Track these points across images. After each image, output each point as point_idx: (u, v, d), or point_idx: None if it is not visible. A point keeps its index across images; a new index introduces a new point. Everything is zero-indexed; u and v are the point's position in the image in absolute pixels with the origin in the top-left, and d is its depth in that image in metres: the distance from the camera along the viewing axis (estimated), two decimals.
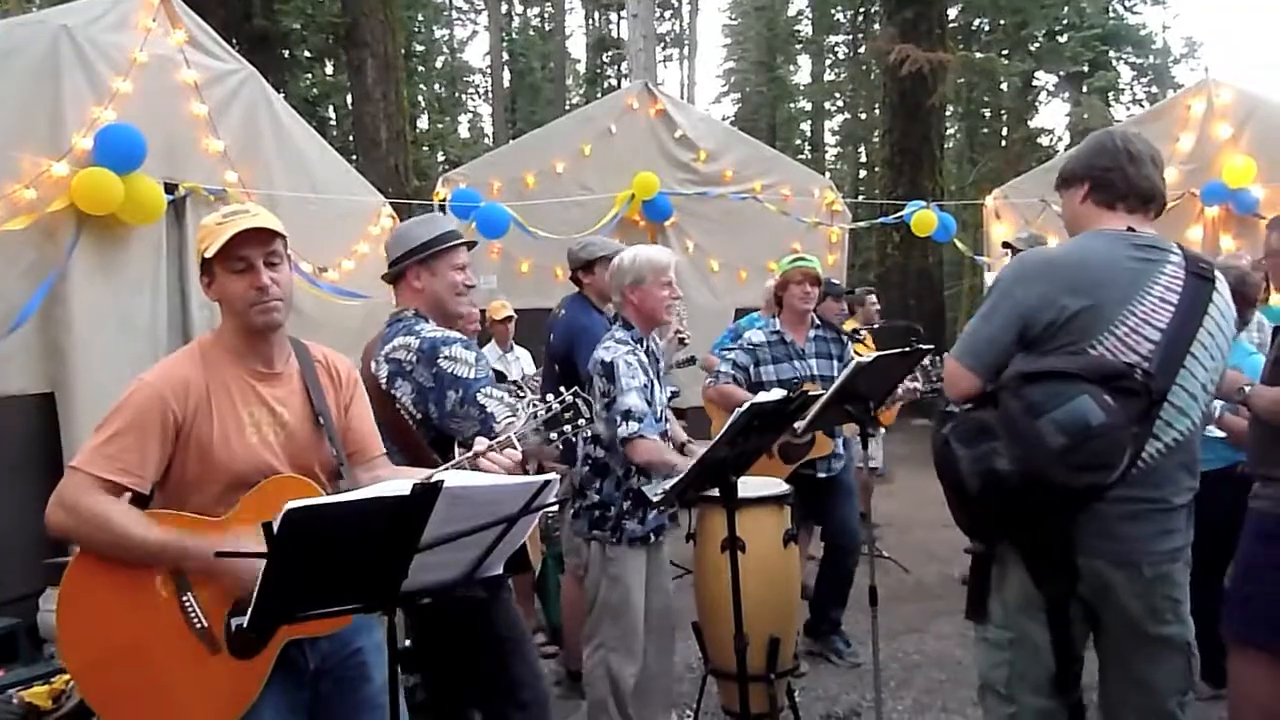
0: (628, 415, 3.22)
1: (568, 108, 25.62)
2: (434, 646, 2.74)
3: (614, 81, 29.43)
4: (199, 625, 1.99)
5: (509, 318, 6.40)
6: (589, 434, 3.33)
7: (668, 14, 31.42)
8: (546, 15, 32.76)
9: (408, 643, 2.78)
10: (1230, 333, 2.31)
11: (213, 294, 2.13)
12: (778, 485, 3.65)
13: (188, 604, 1.99)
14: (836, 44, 29.03)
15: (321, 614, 1.74)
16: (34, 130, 4.49)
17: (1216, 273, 2.30)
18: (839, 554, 4.59)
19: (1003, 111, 21.23)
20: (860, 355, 3.62)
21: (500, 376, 5.40)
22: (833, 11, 26.15)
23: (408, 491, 1.58)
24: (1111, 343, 2.16)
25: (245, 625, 1.65)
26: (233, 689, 2.00)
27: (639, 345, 3.39)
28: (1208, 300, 2.23)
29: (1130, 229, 2.31)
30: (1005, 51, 16.88)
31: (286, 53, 16.03)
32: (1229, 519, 2.98)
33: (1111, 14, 16.97)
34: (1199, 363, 2.20)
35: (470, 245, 2.98)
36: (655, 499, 2.96)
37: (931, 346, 4.09)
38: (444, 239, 2.87)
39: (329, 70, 19.54)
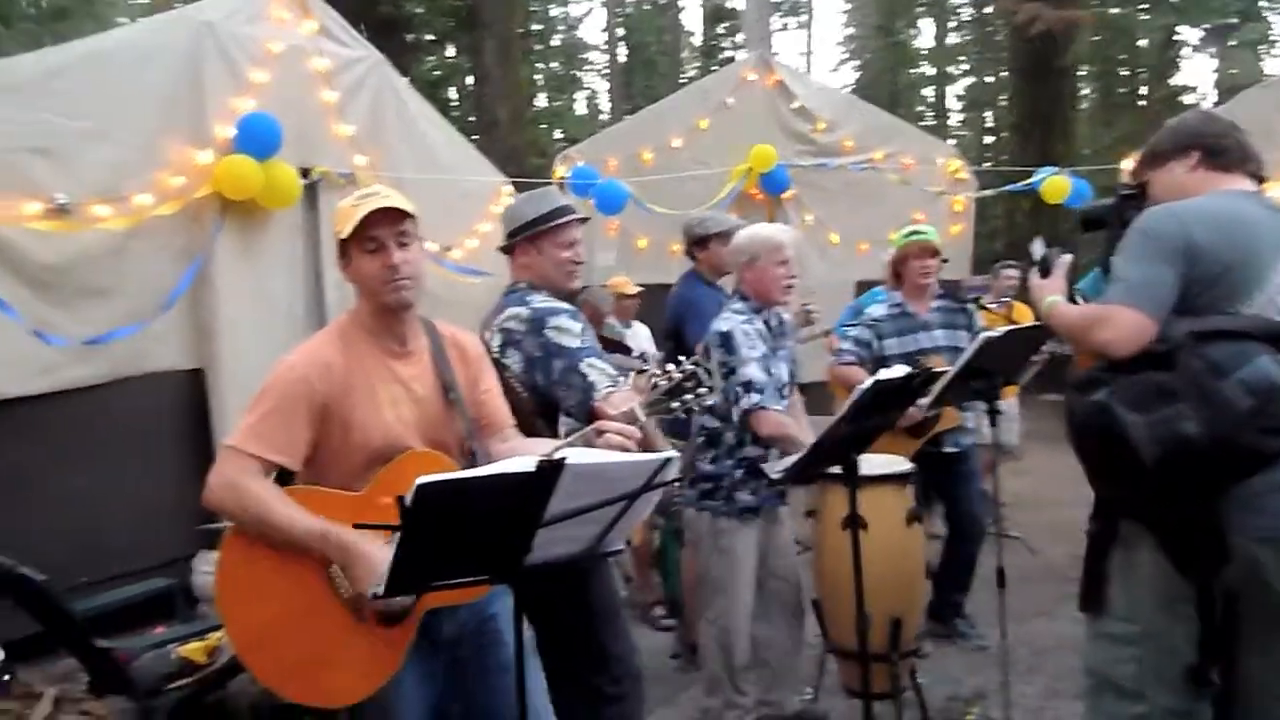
0: (749, 386, 3.22)
1: (683, 81, 25.47)
2: (535, 620, 2.77)
3: (730, 53, 29.07)
4: (346, 594, 2.09)
5: (634, 294, 6.38)
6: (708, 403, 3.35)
7: None
8: None
9: None
10: None
11: (349, 274, 2.21)
12: (900, 463, 3.58)
13: (334, 573, 2.09)
14: (960, 5, 27.92)
15: (450, 585, 1.81)
16: (180, 120, 4.74)
17: None
18: (962, 537, 4.48)
19: (1141, 70, 20.08)
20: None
21: (625, 349, 5.44)
22: None
23: (533, 469, 1.62)
24: (1261, 301, 2.06)
25: (380, 594, 1.72)
26: (379, 655, 2.10)
27: (756, 315, 3.37)
28: None
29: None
30: (1143, 6, 15.93)
31: (410, 36, 16.43)
32: None
33: None
34: None
35: (582, 221, 3.00)
36: (774, 477, 2.95)
37: None
38: (551, 216, 2.89)
39: (450, 52, 19.94)
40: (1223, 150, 2.26)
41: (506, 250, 2.99)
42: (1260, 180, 2.29)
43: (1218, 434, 1.91)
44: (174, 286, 4.67)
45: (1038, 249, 2.71)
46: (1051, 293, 2.49)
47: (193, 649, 3.64)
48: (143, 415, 4.71)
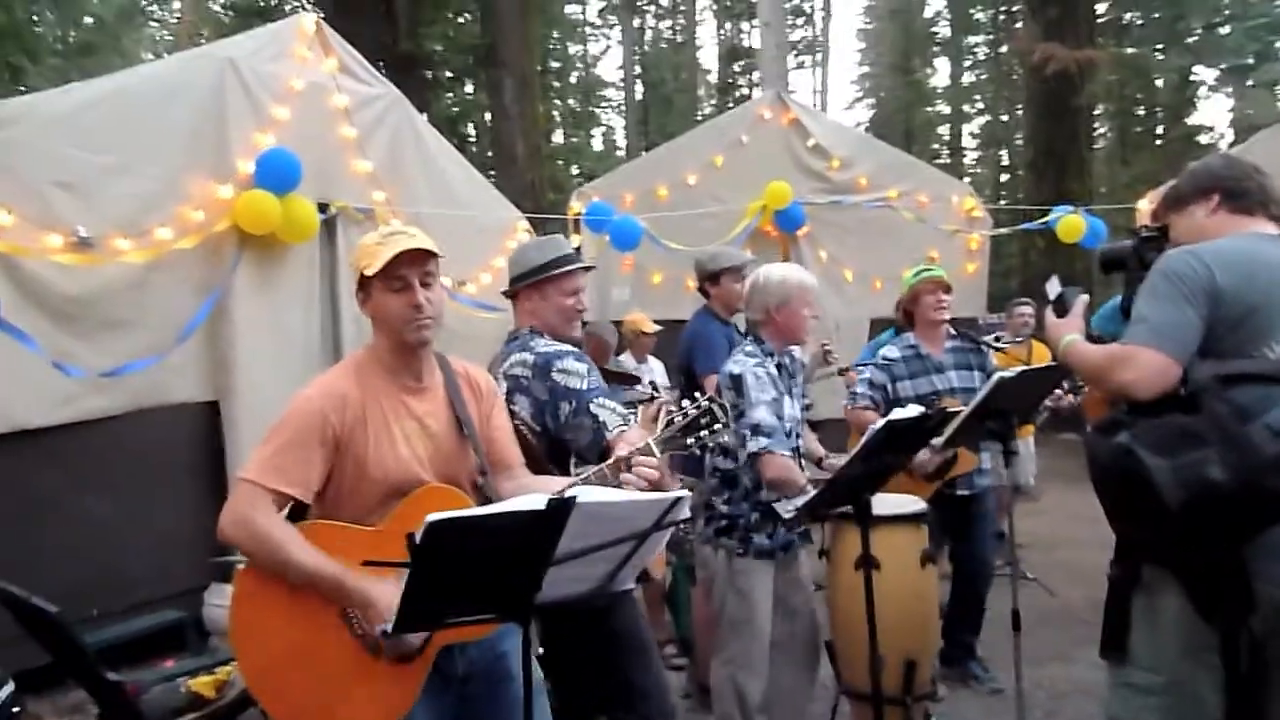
0: (756, 430, 3.22)
1: (700, 119, 25.70)
2: (558, 653, 2.77)
3: (746, 91, 29.35)
4: (360, 631, 2.09)
5: (652, 333, 6.38)
6: (720, 442, 3.34)
7: (800, 21, 31.14)
8: (678, 27, 32.99)
9: (540, 650, 2.83)
10: None
11: (368, 310, 2.22)
12: (914, 503, 3.56)
13: (350, 611, 2.09)
14: (976, 45, 28.17)
15: (460, 622, 1.80)
16: (203, 155, 4.81)
17: None
18: (968, 579, 4.42)
19: (1158, 109, 20.14)
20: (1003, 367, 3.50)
21: (633, 380, 5.45)
22: (971, 11, 25.37)
23: (543, 507, 1.62)
24: None
25: (390, 631, 1.72)
26: (393, 692, 2.09)
27: (769, 359, 3.38)
28: None
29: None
30: (1159, 46, 16.01)
31: (430, 74, 16.68)
32: None
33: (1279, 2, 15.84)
34: None
35: (587, 269, 3.02)
36: (788, 516, 2.93)
37: None
38: (556, 264, 2.91)
39: (469, 89, 20.22)
40: (1243, 193, 2.25)
41: (510, 295, 3.01)
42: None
43: (1244, 478, 1.87)
44: (191, 319, 4.71)
45: (1054, 287, 2.69)
46: (1069, 331, 2.47)
47: (202, 683, 3.64)
48: (159, 447, 4.74)
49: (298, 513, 2.16)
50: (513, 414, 2.74)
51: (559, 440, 2.75)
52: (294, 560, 2.04)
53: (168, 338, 4.64)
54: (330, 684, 2.07)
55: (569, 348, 2.82)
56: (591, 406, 2.67)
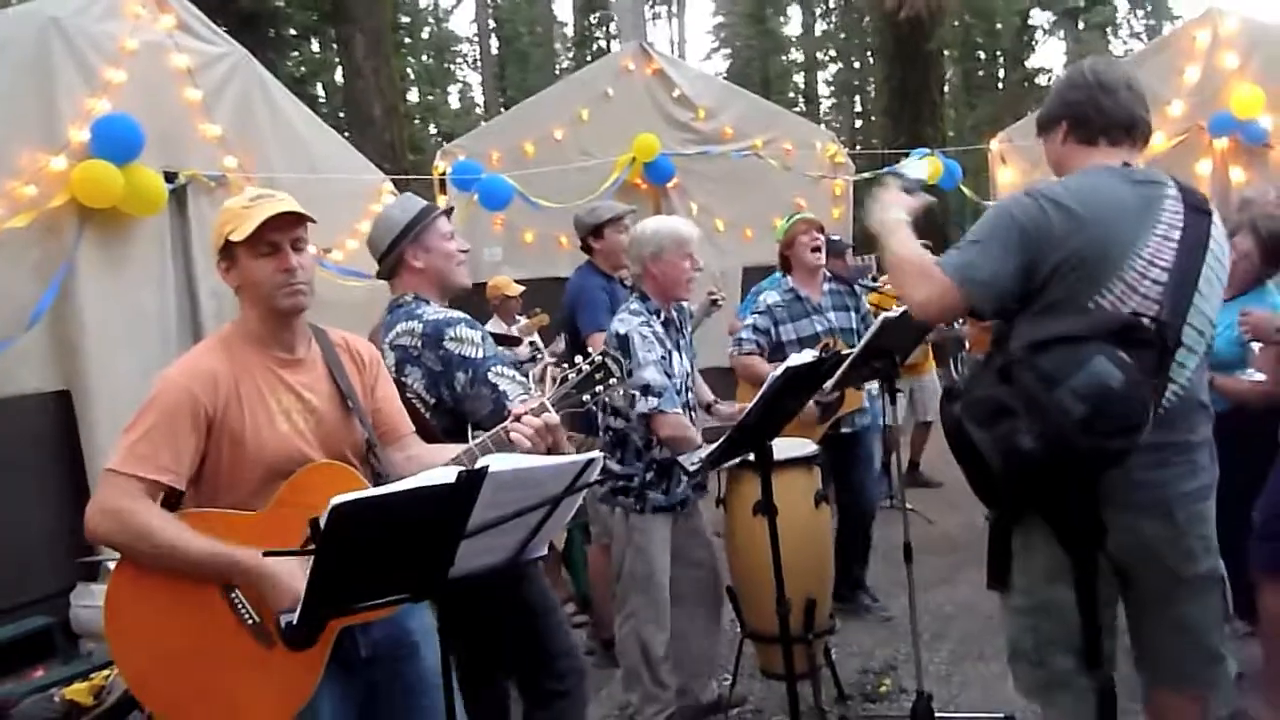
0: (647, 390, 3.21)
1: (558, 72, 25.37)
2: (466, 621, 2.71)
3: (603, 43, 29.09)
4: (250, 621, 1.97)
5: (517, 295, 6.34)
6: (610, 402, 3.30)
7: None
8: None
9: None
10: (1226, 264, 2.24)
11: (233, 279, 2.09)
12: (806, 446, 3.62)
13: (236, 600, 1.97)
14: None
15: (371, 605, 1.72)
16: (29, 125, 4.41)
17: (1212, 205, 2.22)
18: (856, 514, 4.57)
19: (999, 53, 21.01)
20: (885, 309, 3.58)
21: (515, 341, 5.38)
22: None
23: (453, 480, 1.54)
24: (1120, 290, 2.06)
25: (295, 621, 1.62)
26: (290, 682, 1.98)
27: (655, 317, 3.35)
28: (1208, 234, 2.15)
29: (1125, 164, 2.21)
30: None
31: (273, 32, 15.84)
32: (1253, 453, 2.95)
33: None
34: (1204, 298, 2.13)
35: (448, 212, 2.91)
36: (691, 468, 2.93)
37: None
38: (425, 213, 2.81)
39: (315, 47, 19.33)
40: (1084, 119, 2.25)
41: (390, 266, 2.81)
42: (1135, 141, 2.25)
43: (1055, 445, 1.92)
44: (33, 304, 4.33)
45: (913, 170, 2.63)
46: (898, 209, 2.41)
47: (78, 690, 3.45)
48: (6, 441, 4.37)
49: (170, 503, 2.01)
50: (404, 387, 2.62)
51: (457, 412, 2.65)
52: (178, 547, 1.90)
53: (8, 324, 4.26)
54: (221, 679, 1.95)
55: (459, 314, 2.70)
56: (490, 375, 2.57)
